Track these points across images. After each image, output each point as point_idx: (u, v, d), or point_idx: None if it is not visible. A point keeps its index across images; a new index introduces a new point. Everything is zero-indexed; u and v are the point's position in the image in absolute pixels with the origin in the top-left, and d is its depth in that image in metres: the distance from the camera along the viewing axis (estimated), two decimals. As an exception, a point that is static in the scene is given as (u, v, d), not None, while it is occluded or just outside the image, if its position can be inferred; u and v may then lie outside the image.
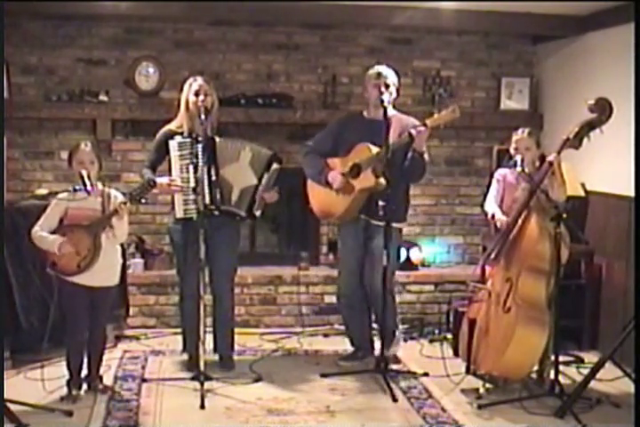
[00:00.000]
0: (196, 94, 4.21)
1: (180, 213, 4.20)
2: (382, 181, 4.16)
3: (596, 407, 3.90)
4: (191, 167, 4.09)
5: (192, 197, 4.10)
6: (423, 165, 4.32)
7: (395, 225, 4.37)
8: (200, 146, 4.06)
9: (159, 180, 4.13)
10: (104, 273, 3.90)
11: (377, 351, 4.55)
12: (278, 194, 4.43)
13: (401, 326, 4.79)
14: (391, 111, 4.27)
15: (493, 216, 4.18)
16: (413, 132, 4.15)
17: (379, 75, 4.36)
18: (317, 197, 4.57)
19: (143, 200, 3.87)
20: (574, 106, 4.87)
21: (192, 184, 4.09)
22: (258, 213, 4.36)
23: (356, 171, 4.31)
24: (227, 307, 4.47)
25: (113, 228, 3.83)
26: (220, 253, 4.30)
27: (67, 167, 4.00)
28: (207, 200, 4.11)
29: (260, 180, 4.30)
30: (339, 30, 5.57)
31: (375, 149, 4.22)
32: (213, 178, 4.16)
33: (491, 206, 4.26)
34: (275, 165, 4.34)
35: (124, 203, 3.79)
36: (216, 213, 4.18)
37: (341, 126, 4.54)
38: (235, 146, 4.28)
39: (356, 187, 4.31)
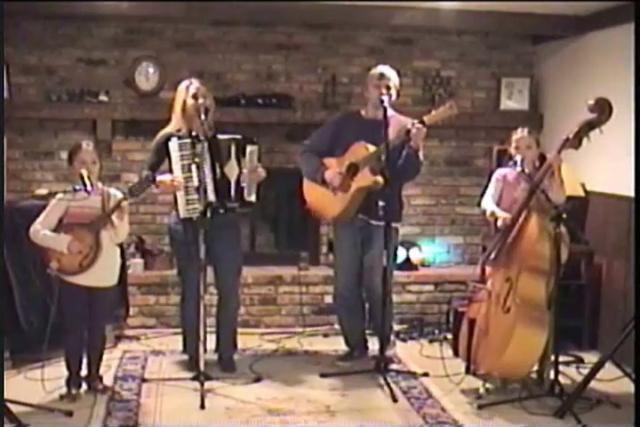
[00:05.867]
0: (195, 97, 4.21)
1: (184, 214, 4.18)
2: (380, 179, 4.16)
3: (596, 407, 3.90)
4: (193, 167, 4.08)
5: (195, 196, 4.08)
6: (418, 163, 4.31)
7: (392, 225, 4.37)
8: (203, 145, 4.07)
9: (160, 177, 4.12)
10: (102, 273, 3.90)
11: (372, 351, 4.58)
12: (265, 171, 4.31)
13: (400, 327, 4.80)
14: (390, 112, 4.28)
15: (493, 213, 4.18)
16: (413, 129, 4.13)
17: (381, 76, 4.35)
18: (314, 196, 4.55)
19: (143, 195, 3.86)
20: (574, 106, 4.87)
21: (195, 184, 4.08)
22: (252, 198, 4.29)
23: (353, 170, 4.31)
24: (233, 307, 4.47)
25: (114, 226, 3.84)
26: (225, 254, 4.31)
27: (67, 167, 4.00)
28: (213, 199, 4.11)
29: (240, 166, 4.22)
30: (339, 30, 5.57)
31: (372, 148, 4.22)
32: (218, 176, 4.16)
33: (488, 204, 4.26)
34: (249, 148, 4.23)
35: (124, 198, 3.81)
36: (221, 210, 4.17)
37: (338, 126, 4.52)
38: (227, 142, 4.22)
39: (354, 186, 4.31)
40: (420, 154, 4.29)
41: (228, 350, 4.48)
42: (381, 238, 4.22)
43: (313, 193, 4.55)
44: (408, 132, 4.14)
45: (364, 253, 4.46)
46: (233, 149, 4.21)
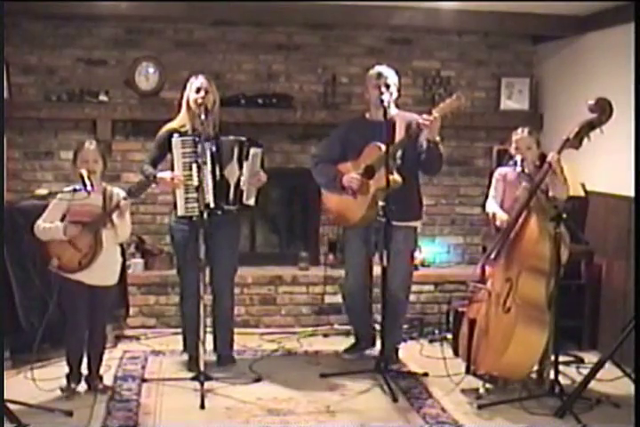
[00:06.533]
0: (197, 91, 4.21)
1: (181, 211, 4.18)
2: (398, 178, 4.14)
3: (596, 407, 3.90)
4: (194, 166, 4.07)
5: (194, 195, 4.08)
6: (440, 154, 4.28)
7: (411, 224, 4.39)
8: (205, 144, 4.06)
9: (161, 174, 4.13)
10: (104, 272, 3.91)
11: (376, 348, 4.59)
12: (266, 174, 4.33)
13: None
14: (393, 110, 4.27)
15: (494, 215, 4.18)
16: (425, 122, 4.11)
17: (379, 75, 4.35)
18: (334, 203, 4.52)
19: (142, 196, 3.87)
20: (574, 106, 4.87)
21: (195, 182, 4.07)
22: (251, 201, 4.30)
23: (370, 172, 4.29)
24: (226, 306, 4.46)
25: (114, 226, 3.84)
26: (220, 253, 4.30)
27: (67, 167, 4.03)
28: (211, 200, 4.11)
29: (241, 169, 4.23)
30: (339, 30, 5.57)
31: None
32: (217, 178, 4.15)
33: (492, 206, 4.27)
34: (253, 150, 4.26)
35: (125, 198, 3.81)
36: (219, 212, 4.18)
37: (347, 131, 4.52)
38: (231, 144, 4.23)
39: (373, 187, 4.28)
40: (440, 146, 4.25)
41: (226, 349, 4.48)
42: (400, 239, 4.22)
43: (333, 200, 4.53)
44: (417, 126, 4.13)
45: (382, 253, 4.41)
46: (236, 150, 4.21)
